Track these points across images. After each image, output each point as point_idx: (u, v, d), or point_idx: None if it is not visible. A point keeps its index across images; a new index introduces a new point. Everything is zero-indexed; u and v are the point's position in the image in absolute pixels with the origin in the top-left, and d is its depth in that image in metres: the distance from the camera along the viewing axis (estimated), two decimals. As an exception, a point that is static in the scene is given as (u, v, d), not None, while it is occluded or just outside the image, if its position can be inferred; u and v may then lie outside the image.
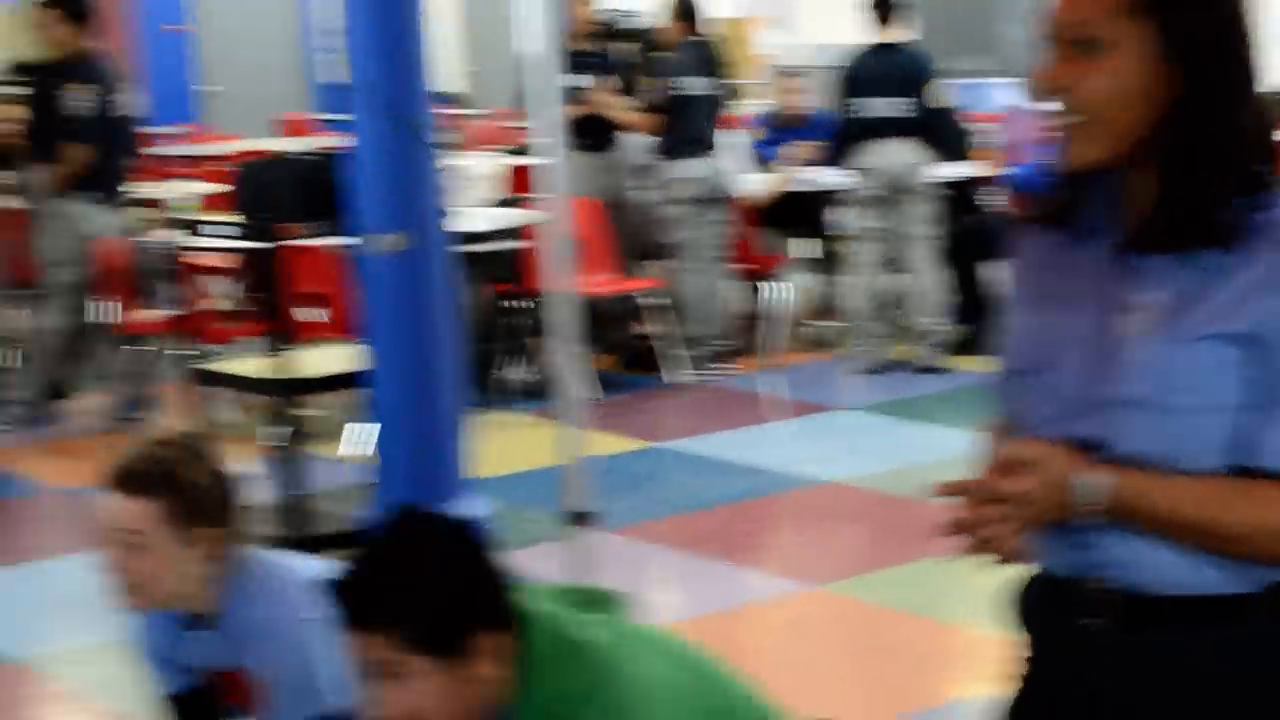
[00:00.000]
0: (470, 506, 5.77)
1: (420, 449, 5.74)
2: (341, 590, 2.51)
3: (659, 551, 6.35)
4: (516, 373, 9.07)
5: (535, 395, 8.78)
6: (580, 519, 4.90)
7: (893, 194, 9.24)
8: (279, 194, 5.78)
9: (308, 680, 3.13)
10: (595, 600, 2.74)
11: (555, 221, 4.92)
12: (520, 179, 10.19)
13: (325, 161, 5.81)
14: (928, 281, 9.33)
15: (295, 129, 16.38)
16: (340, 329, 7.70)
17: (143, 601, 3.20)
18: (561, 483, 4.94)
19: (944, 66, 9.50)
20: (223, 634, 3.24)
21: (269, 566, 3.28)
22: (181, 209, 8.97)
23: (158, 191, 10.19)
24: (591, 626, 2.61)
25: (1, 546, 7.01)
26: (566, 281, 4.89)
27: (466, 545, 2.59)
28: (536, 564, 5.84)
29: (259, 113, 18.61)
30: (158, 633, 3.34)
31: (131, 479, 3.12)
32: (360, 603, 2.49)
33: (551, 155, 4.88)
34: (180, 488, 3.13)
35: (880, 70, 9.23)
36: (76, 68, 8.56)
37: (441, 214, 5.71)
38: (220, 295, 8.99)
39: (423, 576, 2.50)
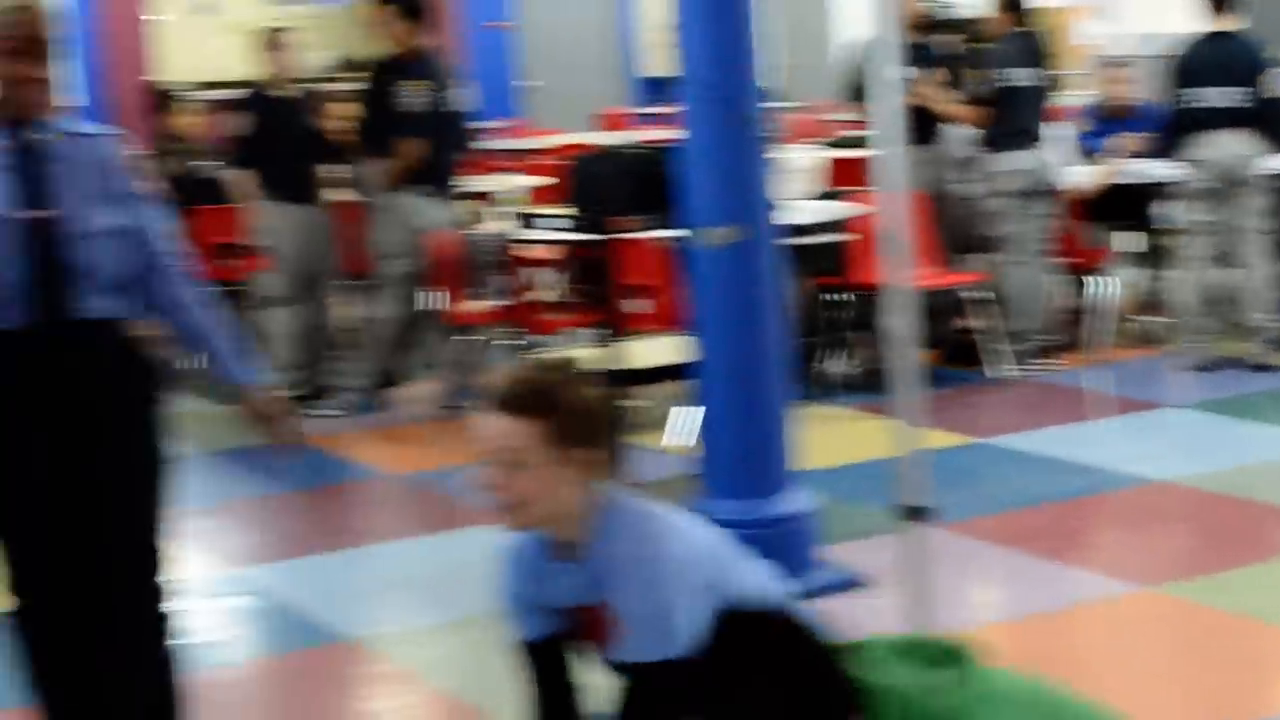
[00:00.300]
0: (797, 499, 5.78)
1: (746, 441, 5.76)
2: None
3: (987, 548, 6.25)
4: (837, 366, 9.03)
5: (856, 389, 8.73)
6: (914, 514, 4.84)
7: (1225, 186, 8.97)
8: (611, 187, 5.83)
9: (664, 621, 3.17)
10: (942, 655, 2.60)
11: (892, 214, 4.86)
12: (839, 172, 10.14)
13: (657, 155, 5.84)
14: (1260, 276, 9.04)
15: (614, 123, 16.55)
16: (664, 321, 7.75)
17: (521, 521, 3.26)
18: (893, 477, 4.88)
19: (1277, 55, 9.18)
20: (587, 568, 3.28)
21: (638, 505, 3.32)
22: (509, 202, 9.09)
23: (485, 185, 10.36)
24: (943, 693, 2.52)
25: (336, 529, 7.19)
26: (902, 275, 4.83)
27: (807, 648, 2.45)
28: (867, 557, 5.84)
29: (578, 107, 18.83)
30: (523, 569, 3.40)
31: (514, 399, 3.19)
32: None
33: (889, 147, 4.82)
34: (562, 408, 3.19)
35: (1213, 59, 8.97)
36: (411, 64, 8.69)
37: (771, 207, 5.72)
38: (547, 286, 9.12)
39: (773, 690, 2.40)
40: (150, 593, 4.19)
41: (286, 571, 6.34)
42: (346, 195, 9.77)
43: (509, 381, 3.25)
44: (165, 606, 4.21)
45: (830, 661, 2.43)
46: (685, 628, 3.10)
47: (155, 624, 4.21)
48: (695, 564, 3.24)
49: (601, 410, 3.27)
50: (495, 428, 3.20)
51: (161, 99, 11.33)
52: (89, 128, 4.17)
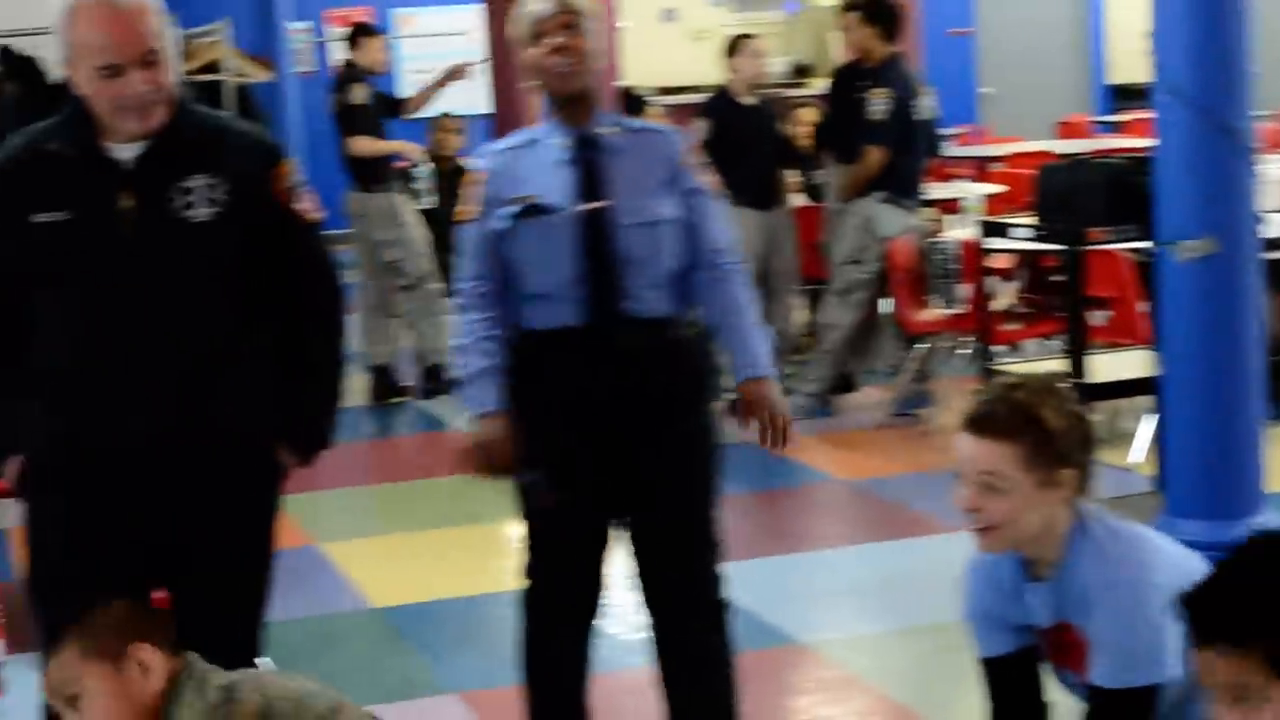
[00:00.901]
0: (1268, 522, 5.52)
1: (1215, 460, 5.54)
2: (1196, 605, 2.38)
3: None
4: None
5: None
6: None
7: None
8: (1080, 197, 5.68)
9: (1137, 647, 3.08)
10: None
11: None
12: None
13: (1136, 165, 5.67)
14: None
15: (1075, 131, 16.19)
16: (1126, 333, 7.55)
17: (997, 543, 3.21)
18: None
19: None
20: (1058, 588, 3.21)
21: (1114, 525, 3.23)
22: (969, 210, 8.97)
23: (945, 192, 10.26)
24: None
25: (785, 532, 7.21)
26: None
27: None
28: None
29: (1036, 114, 18.53)
30: (991, 588, 3.34)
31: (994, 421, 3.14)
32: (1219, 620, 2.35)
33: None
34: (1042, 429, 3.12)
35: None
36: (876, 71, 8.65)
37: (1255, 220, 5.48)
38: (1006, 296, 8.97)
39: None
40: (711, 579, 4.33)
41: (736, 572, 6.36)
42: (804, 201, 9.83)
43: (987, 401, 3.18)
44: (722, 594, 4.35)
45: None
46: (1160, 656, 3.03)
47: (716, 610, 4.35)
48: (1175, 591, 3.13)
49: (1078, 428, 3.18)
50: (974, 450, 3.14)
51: (631, 102, 11.57)
52: (646, 123, 4.31)
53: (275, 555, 3.74)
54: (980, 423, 3.14)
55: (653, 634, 4.32)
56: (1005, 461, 3.11)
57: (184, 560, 3.61)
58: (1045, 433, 3.12)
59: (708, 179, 4.27)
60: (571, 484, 4.14)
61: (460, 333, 4.21)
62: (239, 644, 3.67)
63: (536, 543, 4.24)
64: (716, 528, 4.29)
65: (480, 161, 4.25)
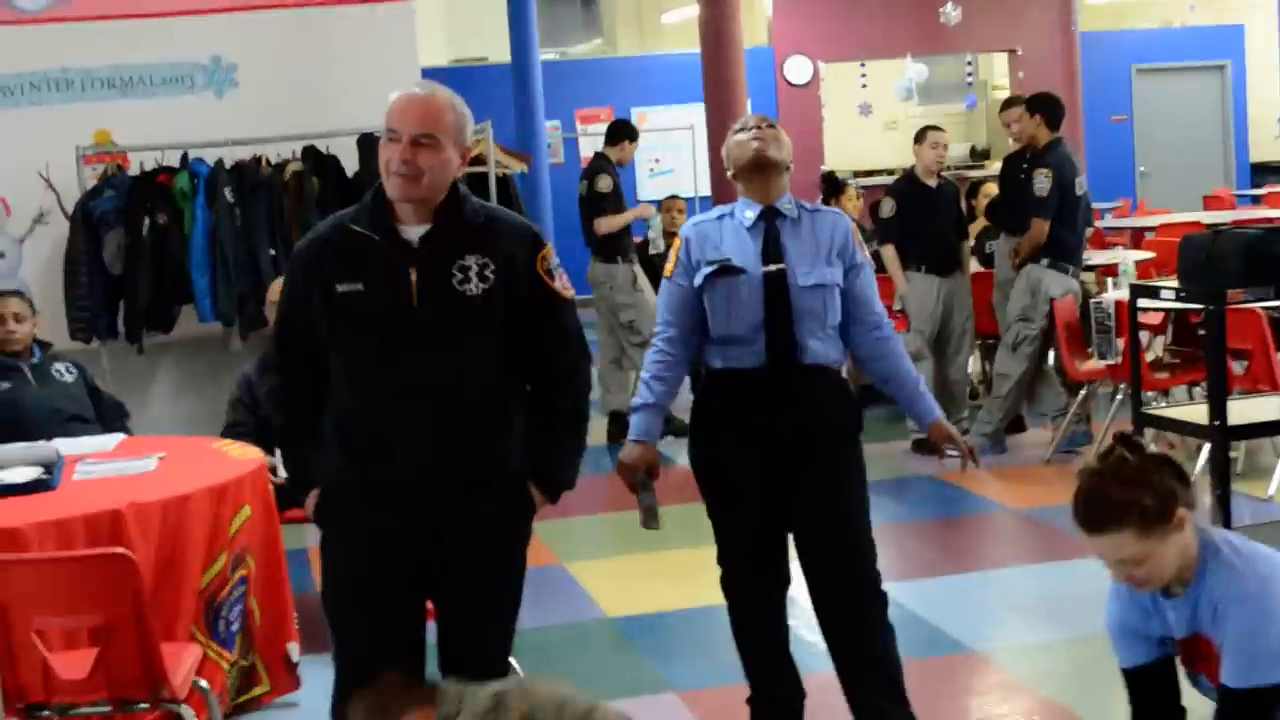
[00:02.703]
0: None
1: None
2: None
3: None
4: None
5: None
6: None
7: None
8: (1224, 261, 5.56)
9: (1263, 650, 3.02)
10: None
11: None
12: None
13: (1271, 234, 5.55)
14: None
15: (1219, 203, 15.83)
16: (1260, 380, 7.43)
17: (1150, 589, 3.18)
18: None
19: None
20: (1192, 603, 3.16)
21: (1239, 544, 3.19)
22: (1125, 274, 8.82)
23: (1104, 258, 10.10)
24: None
25: (961, 554, 7.12)
26: None
27: None
28: None
29: (1186, 189, 18.17)
30: (1131, 605, 3.29)
31: (1101, 518, 3.08)
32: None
33: None
34: (1143, 504, 3.07)
35: None
36: (1041, 154, 8.59)
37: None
38: (1156, 348, 8.81)
39: None
40: (869, 573, 4.37)
41: (919, 589, 6.32)
42: (980, 267, 9.74)
43: (1089, 501, 3.12)
44: (878, 585, 4.39)
45: None
46: None
47: (874, 596, 4.38)
48: None
49: (1168, 476, 3.11)
50: (1099, 546, 3.12)
51: (831, 183, 11.59)
52: (819, 205, 4.48)
53: (524, 574, 3.79)
54: (1093, 523, 3.09)
55: (823, 626, 4.39)
56: (1128, 543, 3.07)
57: (449, 578, 3.68)
58: (1147, 505, 3.05)
59: (868, 255, 4.41)
60: (746, 497, 4.32)
61: (645, 369, 4.41)
62: (494, 649, 3.74)
63: (722, 539, 4.45)
64: (869, 534, 4.37)
65: (682, 229, 4.43)
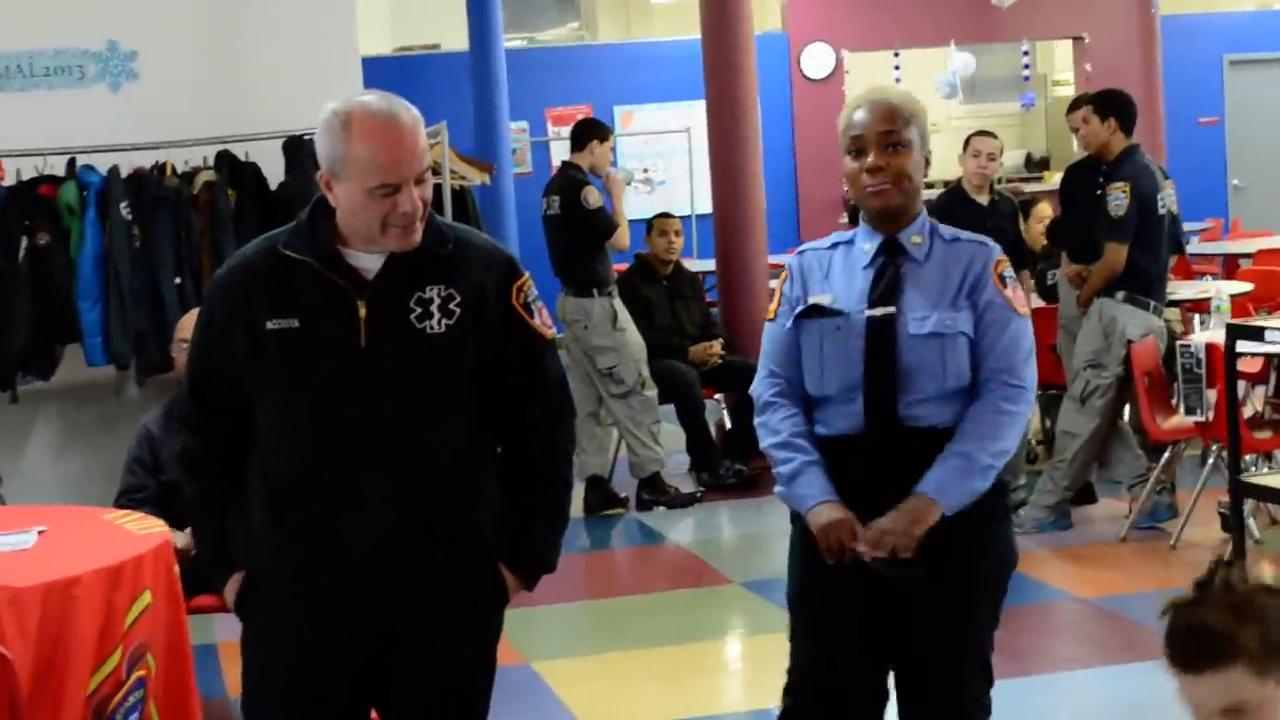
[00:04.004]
0: None
1: None
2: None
3: None
4: None
5: None
6: None
7: None
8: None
9: None
10: None
11: None
12: None
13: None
14: None
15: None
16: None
17: None
18: None
19: None
20: None
21: None
22: (1218, 309, 8.84)
23: (1191, 290, 10.12)
24: None
25: (1023, 654, 7.10)
26: None
27: None
28: None
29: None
30: None
31: (1199, 655, 3.05)
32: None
33: None
34: (1260, 638, 3.03)
35: None
36: (1117, 166, 8.59)
37: None
38: (1256, 401, 8.81)
39: None
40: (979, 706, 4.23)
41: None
42: (1039, 301, 9.75)
43: (1182, 636, 3.09)
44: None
45: None
46: None
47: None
48: None
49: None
50: (1204, 690, 3.07)
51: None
52: (960, 233, 4.24)
53: (493, 678, 3.78)
54: (1189, 659, 3.05)
55: None
56: (1238, 685, 3.01)
57: (403, 682, 3.67)
58: (1265, 635, 3.02)
59: (1015, 292, 4.17)
60: (841, 618, 4.12)
61: (764, 433, 4.21)
62: None
63: (802, 667, 4.22)
64: (988, 658, 4.20)
65: (789, 260, 4.32)
